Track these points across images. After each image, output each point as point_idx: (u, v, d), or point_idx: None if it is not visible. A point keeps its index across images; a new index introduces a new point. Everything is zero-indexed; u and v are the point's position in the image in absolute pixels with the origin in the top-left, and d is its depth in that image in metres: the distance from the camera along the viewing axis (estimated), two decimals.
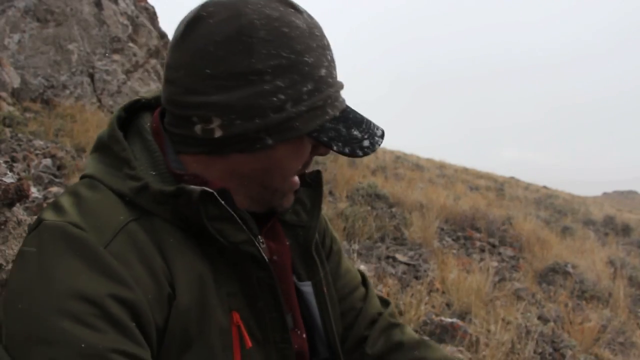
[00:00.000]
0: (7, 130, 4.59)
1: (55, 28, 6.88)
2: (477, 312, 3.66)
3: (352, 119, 0.76)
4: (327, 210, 5.35)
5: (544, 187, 21.70)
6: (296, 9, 0.71)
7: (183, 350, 0.66)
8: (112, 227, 0.65)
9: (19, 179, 1.11)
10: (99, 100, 6.91)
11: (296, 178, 0.80)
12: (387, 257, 4.62)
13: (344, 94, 0.77)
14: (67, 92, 6.67)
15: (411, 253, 4.89)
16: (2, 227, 1.18)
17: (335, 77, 0.74)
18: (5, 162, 3.61)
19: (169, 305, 0.65)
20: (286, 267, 0.84)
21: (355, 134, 0.74)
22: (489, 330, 3.37)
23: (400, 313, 3.33)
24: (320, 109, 0.71)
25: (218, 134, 0.69)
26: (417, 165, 14.16)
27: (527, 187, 18.52)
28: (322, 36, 0.73)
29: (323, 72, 0.71)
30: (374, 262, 4.26)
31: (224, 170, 0.73)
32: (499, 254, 5.87)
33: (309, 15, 0.73)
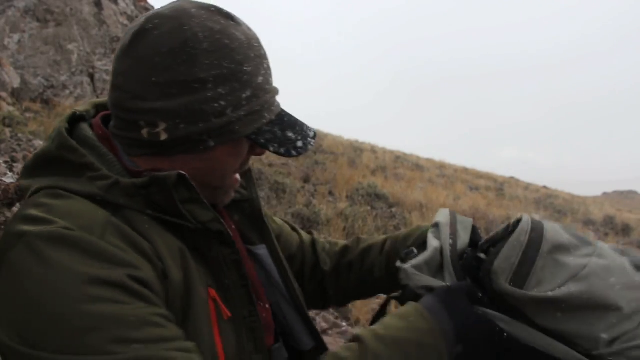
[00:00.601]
0: (7, 130, 4.59)
1: (55, 28, 6.88)
2: None
3: (287, 122, 0.83)
4: (327, 210, 5.35)
5: (544, 187, 21.70)
6: (236, 21, 0.78)
7: (182, 322, 0.70)
8: (98, 223, 0.67)
9: (19, 179, 1.11)
10: None
11: (237, 176, 0.87)
12: None
13: (279, 98, 0.85)
14: (67, 92, 6.67)
15: None
16: (2, 227, 1.18)
17: (272, 84, 0.82)
18: (5, 162, 3.61)
19: (165, 281, 0.69)
20: (242, 250, 0.90)
21: (290, 136, 0.81)
22: None
23: None
24: (257, 114, 0.78)
25: (163, 137, 0.74)
26: (417, 165, 14.16)
27: (527, 187, 18.52)
28: (260, 46, 0.80)
29: (260, 79, 0.78)
30: None
31: (171, 169, 0.76)
32: None
33: (248, 27, 0.80)
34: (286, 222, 1.16)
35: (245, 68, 0.76)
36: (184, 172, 0.73)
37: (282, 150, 0.79)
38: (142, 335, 0.60)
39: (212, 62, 0.73)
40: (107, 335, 0.59)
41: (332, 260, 1.11)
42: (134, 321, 0.61)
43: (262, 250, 0.94)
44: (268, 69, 0.81)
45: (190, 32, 0.73)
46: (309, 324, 0.96)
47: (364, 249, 1.08)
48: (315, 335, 0.96)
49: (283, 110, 0.84)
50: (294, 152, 0.80)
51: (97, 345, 0.58)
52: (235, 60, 0.75)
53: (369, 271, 1.06)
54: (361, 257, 1.08)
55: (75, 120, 0.82)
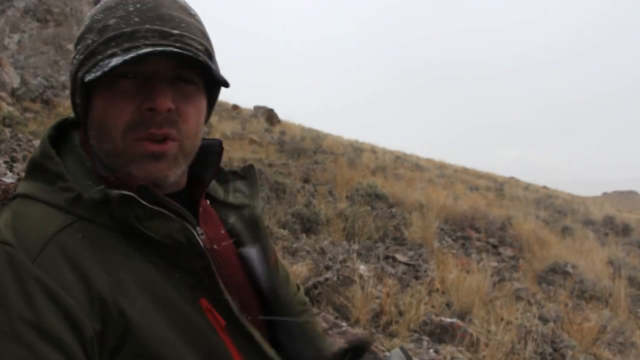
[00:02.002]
0: (7, 130, 4.59)
1: (55, 28, 6.88)
2: (477, 312, 3.66)
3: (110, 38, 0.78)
4: (327, 210, 5.35)
5: (544, 187, 21.70)
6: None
7: (155, 337, 0.68)
8: (40, 240, 0.67)
9: (19, 179, 1.11)
10: None
11: (147, 145, 0.78)
12: (387, 257, 4.62)
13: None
14: (67, 92, 6.67)
15: (411, 253, 4.89)
16: None
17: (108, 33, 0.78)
18: (5, 162, 3.61)
19: (101, 308, 0.66)
20: (228, 255, 0.88)
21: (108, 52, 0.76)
22: (489, 331, 3.37)
23: (400, 313, 3.33)
24: (88, 58, 0.78)
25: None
26: (417, 165, 14.16)
27: (527, 187, 18.52)
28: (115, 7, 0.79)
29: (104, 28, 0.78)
30: (374, 262, 4.26)
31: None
32: (499, 254, 5.87)
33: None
34: (297, 284, 1.14)
35: (92, 22, 0.79)
36: (127, 193, 0.70)
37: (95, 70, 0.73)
38: None
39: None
40: None
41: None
42: None
43: (252, 251, 0.92)
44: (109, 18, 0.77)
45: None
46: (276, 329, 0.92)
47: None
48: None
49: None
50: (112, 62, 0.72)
51: None
52: (91, 17, 0.80)
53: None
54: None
55: (68, 126, 0.84)
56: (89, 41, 0.76)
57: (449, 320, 3.33)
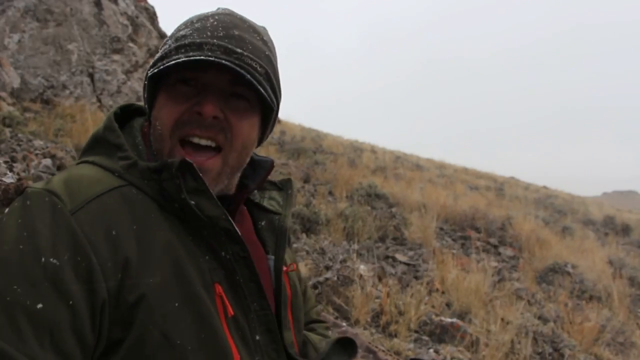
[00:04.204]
0: (7, 130, 4.59)
1: (55, 28, 6.88)
2: (476, 312, 3.66)
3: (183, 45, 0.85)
4: (327, 210, 5.35)
5: (544, 187, 21.69)
6: (211, 12, 0.89)
7: (165, 310, 0.71)
8: (85, 196, 0.72)
9: (19, 179, 1.11)
10: (99, 100, 6.91)
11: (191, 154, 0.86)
12: (387, 257, 4.62)
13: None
14: (67, 92, 6.67)
15: (411, 253, 4.89)
16: None
17: (186, 42, 0.85)
18: (5, 162, 3.61)
19: (124, 270, 0.70)
20: (257, 258, 0.91)
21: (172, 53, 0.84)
22: (488, 330, 3.37)
23: (400, 313, 3.33)
24: (160, 58, 0.86)
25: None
26: (417, 165, 14.16)
27: (527, 187, 18.51)
28: (197, 23, 0.87)
29: (182, 37, 0.86)
30: (374, 262, 4.26)
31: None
32: (499, 254, 5.88)
33: (215, 17, 0.87)
34: (305, 283, 1.18)
35: (175, 32, 0.87)
36: (188, 160, 0.76)
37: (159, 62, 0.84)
38: None
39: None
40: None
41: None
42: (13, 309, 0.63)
43: (270, 261, 0.96)
44: (191, 32, 0.85)
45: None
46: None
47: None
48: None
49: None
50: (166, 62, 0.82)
51: None
52: (176, 28, 0.88)
53: None
54: None
55: (132, 112, 0.93)
56: (166, 46, 0.85)
57: (449, 320, 3.33)
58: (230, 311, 0.77)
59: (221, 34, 0.83)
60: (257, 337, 0.81)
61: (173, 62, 0.80)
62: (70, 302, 0.65)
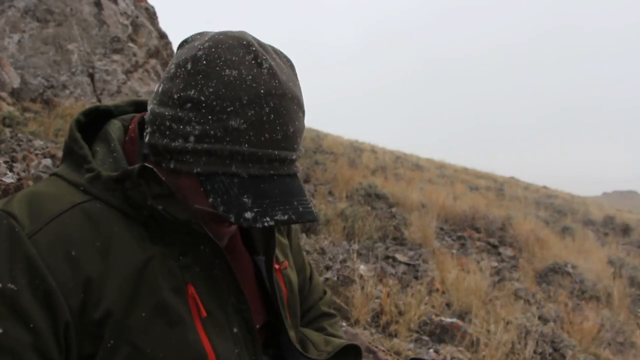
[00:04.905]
0: (7, 130, 4.59)
1: (55, 28, 6.88)
2: (477, 312, 3.66)
3: (258, 190, 0.72)
4: (327, 210, 5.35)
5: (544, 187, 21.69)
6: (258, 62, 0.72)
7: (133, 322, 0.71)
8: (44, 217, 0.71)
9: (19, 179, 1.12)
10: (99, 101, 6.91)
11: (224, 228, 0.83)
12: (387, 257, 4.62)
13: (284, 168, 0.75)
14: (67, 92, 6.67)
15: (411, 253, 4.89)
16: None
17: (268, 141, 0.71)
18: (5, 162, 3.61)
19: (85, 288, 0.69)
20: (241, 258, 0.92)
21: (244, 201, 0.71)
22: (489, 330, 3.38)
23: (400, 313, 3.33)
24: (219, 158, 0.71)
25: (147, 139, 0.78)
26: (417, 165, 14.16)
27: (527, 187, 18.51)
28: (268, 97, 0.71)
29: (241, 126, 0.69)
30: (373, 262, 4.26)
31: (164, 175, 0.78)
32: (499, 254, 5.88)
33: (272, 76, 0.72)
34: (311, 270, 1.18)
35: (226, 105, 0.70)
36: (148, 165, 0.73)
37: (221, 209, 0.71)
38: None
39: (198, 84, 0.71)
40: None
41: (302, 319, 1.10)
42: None
43: (261, 262, 0.95)
44: (266, 123, 0.71)
45: (201, 52, 0.72)
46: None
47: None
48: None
49: (279, 181, 0.75)
50: (231, 218, 0.70)
51: None
52: (220, 93, 0.70)
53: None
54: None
55: (99, 114, 0.87)
56: (207, 126, 0.70)
57: (449, 320, 3.33)
58: (204, 312, 0.76)
59: (278, 137, 0.72)
60: (235, 330, 0.81)
61: (265, 223, 0.70)
62: (31, 325, 0.65)
